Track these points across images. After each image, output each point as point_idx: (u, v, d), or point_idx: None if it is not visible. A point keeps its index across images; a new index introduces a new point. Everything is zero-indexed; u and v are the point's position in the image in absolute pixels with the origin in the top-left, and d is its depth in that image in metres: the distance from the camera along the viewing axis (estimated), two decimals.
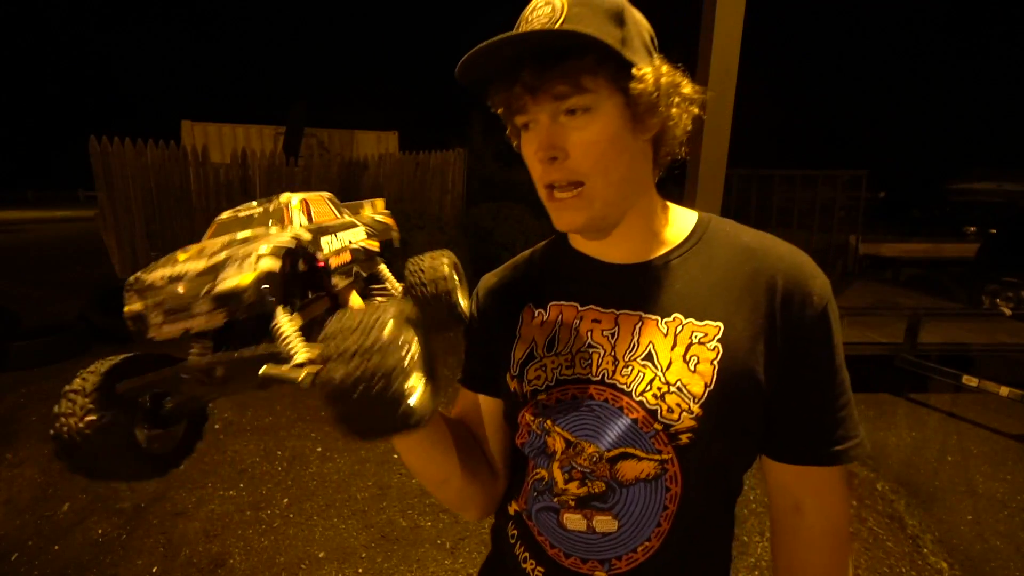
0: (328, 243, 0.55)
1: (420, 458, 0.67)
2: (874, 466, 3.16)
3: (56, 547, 2.41)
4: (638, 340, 0.63)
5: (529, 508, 0.70)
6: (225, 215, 0.54)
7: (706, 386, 0.59)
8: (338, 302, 0.59)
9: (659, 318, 0.63)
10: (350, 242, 0.59)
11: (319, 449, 3.29)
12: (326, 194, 0.62)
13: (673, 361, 0.60)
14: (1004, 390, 3.57)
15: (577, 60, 0.55)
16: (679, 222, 0.69)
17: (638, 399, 0.61)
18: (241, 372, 0.46)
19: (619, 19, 0.57)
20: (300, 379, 0.44)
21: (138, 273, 0.44)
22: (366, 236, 0.64)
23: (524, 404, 0.68)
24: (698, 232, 0.68)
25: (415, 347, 0.46)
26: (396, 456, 3.21)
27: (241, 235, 0.48)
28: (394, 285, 0.69)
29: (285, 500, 2.79)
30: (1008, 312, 4.82)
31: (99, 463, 0.45)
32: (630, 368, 0.62)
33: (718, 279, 0.63)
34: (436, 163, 8.96)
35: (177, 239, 6.35)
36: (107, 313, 5.07)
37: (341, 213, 0.61)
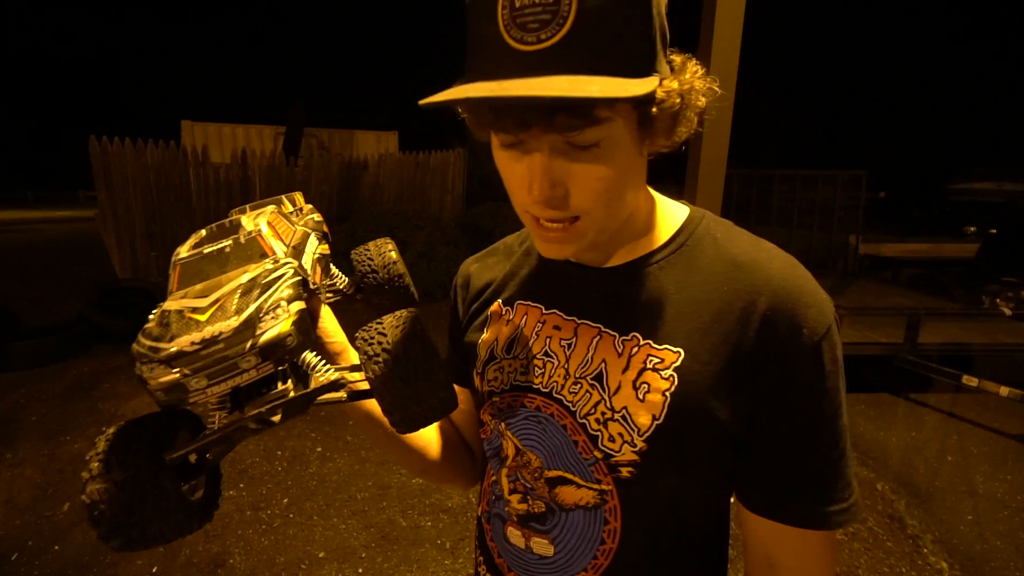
0: (306, 262, 0.54)
1: (402, 450, 0.71)
2: (874, 466, 3.16)
3: (56, 547, 2.41)
4: (592, 356, 0.58)
5: (489, 511, 0.69)
6: (185, 254, 0.48)
7: (654, 419, 0.53)
8: (313, 316, 0.58)
9: (617, 335, 0.57)
10: (313, 254, 0.58)
11: (319, 449, 3.29)
12: (271, 207, 0.58)
13: (622, 386, 0.55)
14: (1004, 390, 3.57)
15: (600, 107, 0.44)
16: (665, 221, 0.61)
17: (580, 421, 0.57)
18: (297, 410, 0.47)
19: (643, 5, 0.43)
20: (345, 396, 0.49)
21: (145, 342, 0.40)
22: (318, 242, 0.62)
23: (484, 403, 0.68)
24: (682, 236, 0.59)
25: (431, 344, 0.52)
26: None
27: (237, 279, 0.45)
28: (342, 279, 0.69)
29: (285, 500, 2.79)
30: (1008, 312, 4.82)
31: (149, 526, 0.43)
32: (579, 386, 0.58)
33: (689, 298, 0.55)
34: (436, 163, 8.96)
35: (177, 239, 6.34)
36: (107, 313, 5.07)
37: (294, 224, 0.59)
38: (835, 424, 0.52)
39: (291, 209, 0.63)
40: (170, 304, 0.44)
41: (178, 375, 0.40)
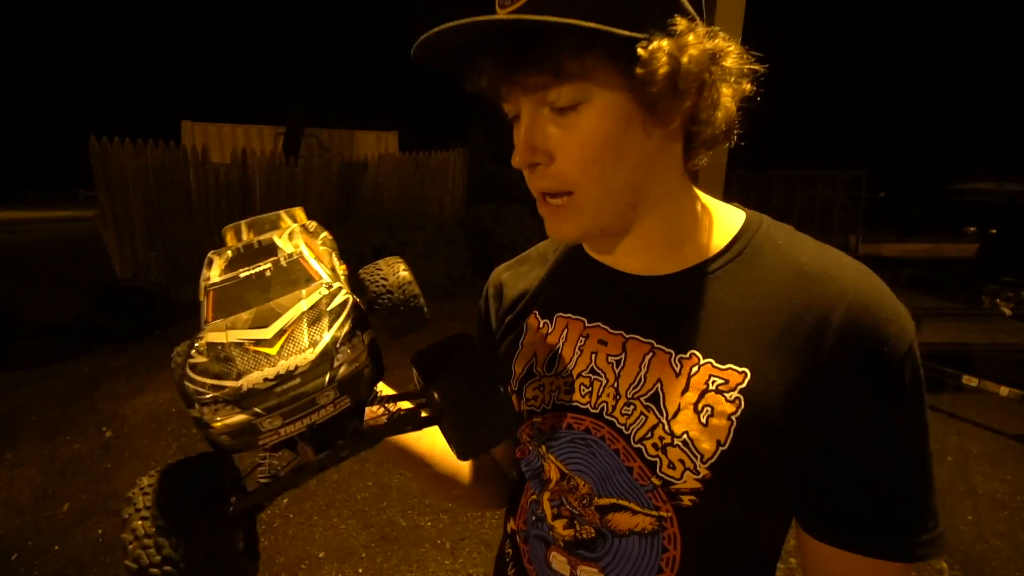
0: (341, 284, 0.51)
1: (434, 478, 0.69)
2: None
3: (56, 547, 2.41)
4: (645, 375, 0.53)
5: (527, 531, 0.65)
6: (217, 278, 0.45)
7: (718, 444, 0.48)
8: None
9: (673, 352, 0.52)
10: (342, 275, 0.54)
11: None
12: (300, 223, 0.54)
13: (682, 409, 0.50)
14: (1004, 390, 3.57)
15: (550, 45, 0.43)
16: (719, 225, 0.56)
17: (635, 446, 0.53)
18: (368, 445, 0.45)
19: None
20: (410, 426, 0.48)
21: (203, 380, 0.37)
22: (339, 261, 0.58)
23: (521, 422, 0.63)
24: (740, 242, 0.54)
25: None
26: None
27: (295, 306, 0.41)
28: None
29: (285, 500, 2.79)
30: (1008, 312, 4.82)
31: None
32: (632, 407, 0.53)
33: (753, 310, 0.50)
34: (436, 163, 8.95)
35: (177, 239, 6.34)
36: (107, 313, 5.08)
37: (318, 240, 0.55)
38: (921, 448, 0.48)
39: (292, 226, 0.58)
40: (217, 336, 0.39)
41: (248, 416, 0.36)
